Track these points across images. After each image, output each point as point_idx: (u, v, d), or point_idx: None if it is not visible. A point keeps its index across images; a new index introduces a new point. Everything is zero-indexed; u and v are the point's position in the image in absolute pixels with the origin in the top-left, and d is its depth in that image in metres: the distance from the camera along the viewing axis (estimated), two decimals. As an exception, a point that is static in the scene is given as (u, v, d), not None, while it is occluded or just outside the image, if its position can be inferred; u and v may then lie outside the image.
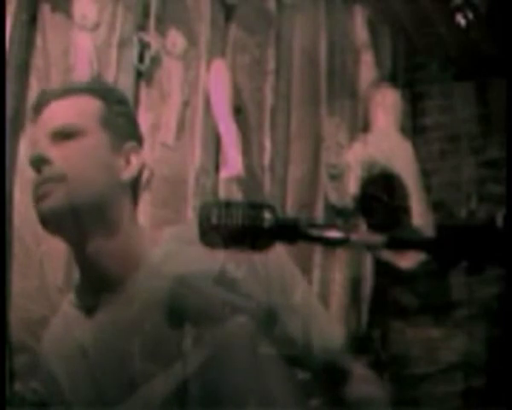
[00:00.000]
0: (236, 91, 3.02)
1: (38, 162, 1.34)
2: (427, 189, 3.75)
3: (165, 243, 1.39)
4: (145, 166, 1.45)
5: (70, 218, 1.32)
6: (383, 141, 3.63)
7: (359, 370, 1.44)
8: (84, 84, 1.56)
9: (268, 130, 3.20)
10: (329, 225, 1.04)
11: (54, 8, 2.45)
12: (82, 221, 1.33)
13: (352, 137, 3.61)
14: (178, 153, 2.80)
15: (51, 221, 1.33)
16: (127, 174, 1.38)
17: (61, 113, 1.37)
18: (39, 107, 1.40)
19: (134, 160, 1.40)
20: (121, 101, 1.47)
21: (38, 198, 1.33)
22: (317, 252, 3.31)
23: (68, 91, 1.41)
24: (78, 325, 1.38)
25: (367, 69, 3.76)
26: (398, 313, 3.73)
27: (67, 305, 1.44)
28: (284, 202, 3.22)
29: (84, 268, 1.39)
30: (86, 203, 1.33)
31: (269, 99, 3.23)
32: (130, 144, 1.41)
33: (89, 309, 1.38)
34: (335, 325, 1.57)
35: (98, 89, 1.45)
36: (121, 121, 1.41)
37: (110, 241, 1.34)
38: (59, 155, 1.33)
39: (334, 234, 1.03)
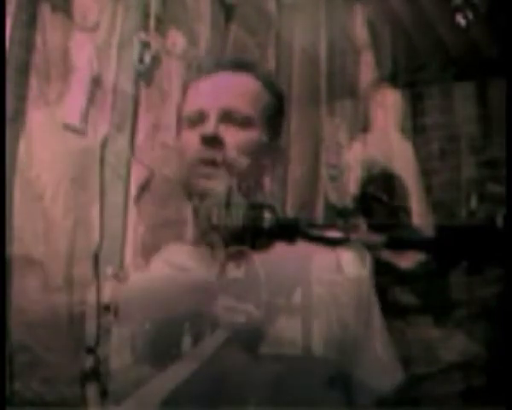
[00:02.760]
0: (236, 91, 3.01)
1: (211, 140, 1.30)
2: (427, 189, 3.74)
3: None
4: None
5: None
6: (383, 141, 3.63)
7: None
8: (250, 62, 1.48)
9: (268, 130, 3.20)
10: (329, 225, 1.04)
11: (54, 8, 2.44)
12: None
13: (352, 137, 3.61)
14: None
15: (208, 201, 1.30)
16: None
17: (233, 92, 1.34)
18: (208, 70, 1.37)
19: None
20: (280, 94, 1.43)
21: (201, 175, 1.31)
22: (317, 252, 3.31)
23: (237, 64, 1.37)
24: None
25: (367, 69, 3.76)
26: (398, 313, 3.72)
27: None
28: (284, 202, 3.22)
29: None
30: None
31: (269, 99, 3.23)
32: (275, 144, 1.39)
33: None
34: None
35: (262, 74, 1.40)
36: (275, 120, 1.39)
37: None
38: (231, 141, 1.31)
39: (334, 234, 1.03)
